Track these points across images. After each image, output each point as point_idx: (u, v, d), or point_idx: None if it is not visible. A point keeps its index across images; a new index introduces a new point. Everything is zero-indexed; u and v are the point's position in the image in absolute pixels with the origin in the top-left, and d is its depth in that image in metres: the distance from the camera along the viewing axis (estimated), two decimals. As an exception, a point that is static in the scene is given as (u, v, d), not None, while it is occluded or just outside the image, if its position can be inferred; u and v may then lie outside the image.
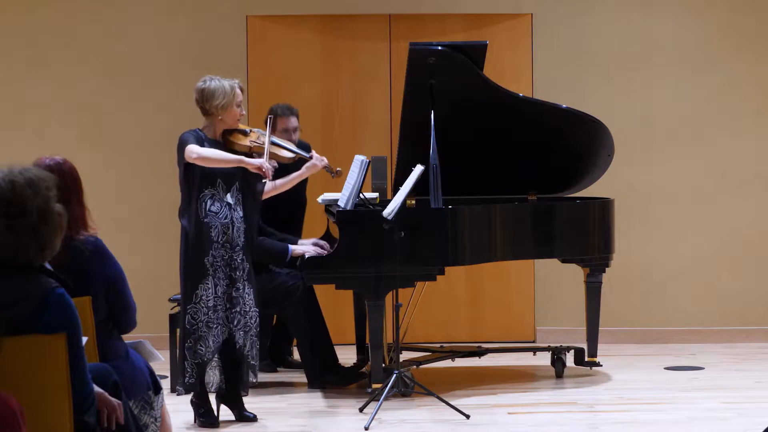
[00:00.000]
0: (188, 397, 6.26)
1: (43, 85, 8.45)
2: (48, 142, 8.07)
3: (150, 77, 8.49)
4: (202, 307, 6.06)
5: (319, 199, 7.29)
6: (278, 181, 6.69)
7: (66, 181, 4.28)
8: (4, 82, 8.45)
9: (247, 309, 6.15)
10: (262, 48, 8.55)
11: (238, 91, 6.14)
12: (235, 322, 6.11)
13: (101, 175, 8.24)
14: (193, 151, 5.99)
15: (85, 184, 4.46)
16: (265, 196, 6.38)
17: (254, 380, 6.21)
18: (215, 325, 6.08)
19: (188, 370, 6.09)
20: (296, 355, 7.67)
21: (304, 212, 7.59)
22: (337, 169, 6.62)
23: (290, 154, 6.38)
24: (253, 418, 6.29)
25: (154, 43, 8.48)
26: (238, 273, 6.12)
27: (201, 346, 6.07)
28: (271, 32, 8.57)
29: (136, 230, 8.47)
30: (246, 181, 6.15)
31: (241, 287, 6.12)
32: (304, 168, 6.61)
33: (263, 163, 6.05)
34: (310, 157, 6.57)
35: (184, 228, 6.13)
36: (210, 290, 6.06)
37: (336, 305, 8.06)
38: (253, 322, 6.16)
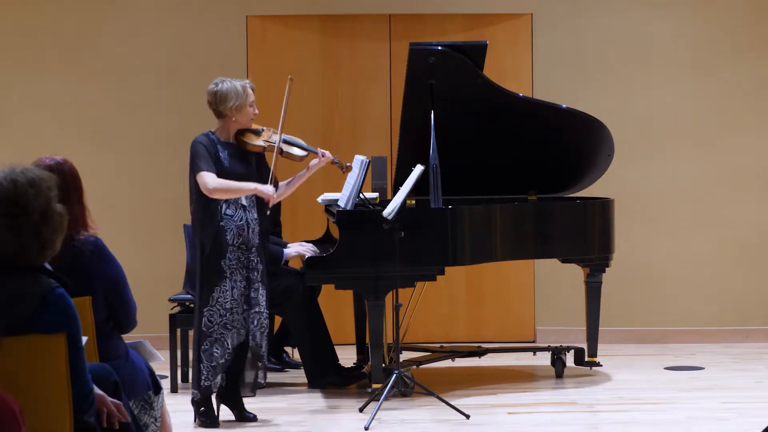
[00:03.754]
0: (189, 397, 6.26)
1: (43, 85, 8.45)
2: (48, 142, 8.07)
3: (150, 77, 8.49)
4: (219, 309, 6.07)
5: (319, 199, 7.29)
6: (286, 182, 6.59)
7: (66, 181, 4.28)
8: (4, 82, 8.45)
9: (262, 310, 6.16)
10: (262, 48, 8.55)
11: (250, 91, 6.17)
12: (255, 323, 6.11)
13: (101, 175, 8.24)
14: (206, 183, 5.99)
15: (85, 184, 4.46)
16: (277, 198, 6.36)
17: (263, 382, 6.22)
18: (232, 328, 6.08)
19: (204, 372, 6.09)
20: (296, 355, 7.68)
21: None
22: (348, 164, 6.57)
23: (302, 152, 6.35)
24: (253, 419, 6.29)
25: (154, 43, 8.48)
26: (255, 274, 6.12)
27: (217, 348, 6.07)
28: (271, 32, 8.57)
29: (136, 230, 8.46)
30: (259, 182, 6.15)
31: (258, 288, 6.12)
32: (309, 166, 6.48)
33: (271, 195, 6.09)
34: (318, 154, 6.45)
35: (200, 230, 6.11)
36: (227, 293, 6.07)
37: (336, 305, 8.06)
38: (266, 323, 6.19)
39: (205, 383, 6.11)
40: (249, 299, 6.12)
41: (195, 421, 6.24)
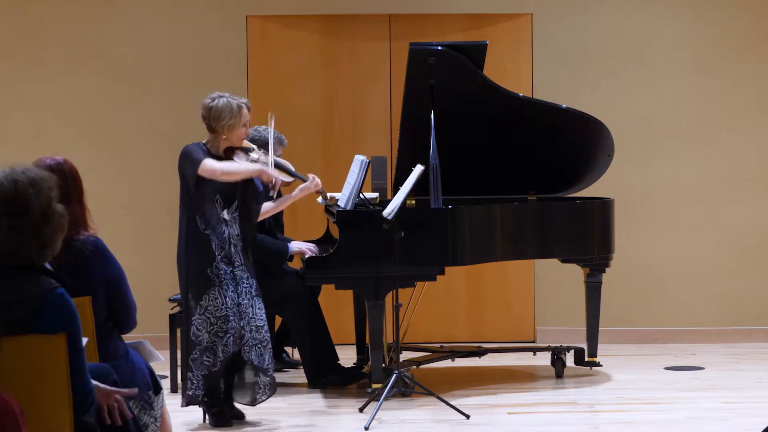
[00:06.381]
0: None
1: (43, 85, 8.45)
2: (48, 142, 8.07)
3: (150, 77, 8.49)
4: (209, 317, 6.02)
5: (319, 199, 7.28)
6: (274, 203, 6.65)
7: (66, 181, 4.28)
8: (3, 81, 8.45)
9: (260, 324, 6.12)
10: (262, 48, 8.55)
11: (245, 111, 6.11)
12: (242, 339, 6.06)
13: (101, 175, 8.24)
14: (215, 167, 5.96)
15: (85, 184, 4.46)
16: (262, 216, 6.39)
17: (263, 398, 6.16)
18: (225, 335, 6.03)
19: (194, 381, 6.04)
20: (296, 355, 7.68)
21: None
22: (330, 195, 6.60)
23: (289, 178, 6.39)
24: (240, 417, 6.29)
25: (155, 43, 8.48)
26: (241, 287, 6.09)
27: (208, 357, 6.03)
28: (271, 32, 8.57)
29: (136, 230, 8.47)
30: (243, 200, 6.13)
31: (249, 303, 6.09)
32: (297, 190, 6.53)
33: (277, 177, 6.08)
34: (305, 180, 6.50)
35: (185, 239, 6.09)
36: (218, 300, 6.02)
37: (336, 305, 8.06)
38: (268, 336, 6.15)
39: (196, 392, 6.05)
40: (241, 313, 6.10)
41: (204, 420, 6.23)
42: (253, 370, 6.12)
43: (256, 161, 6.14)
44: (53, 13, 8.43)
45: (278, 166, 6.33)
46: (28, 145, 8.18)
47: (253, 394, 6.16)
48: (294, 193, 6.54)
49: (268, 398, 6.17)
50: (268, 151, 6.24)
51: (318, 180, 6.48)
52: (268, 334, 6.16)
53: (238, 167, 6.03)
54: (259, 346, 6.10)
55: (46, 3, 8.43)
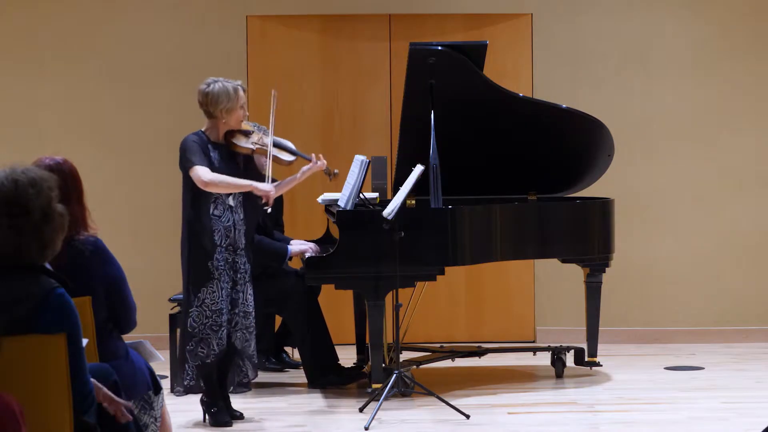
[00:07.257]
0: (190, 397, 6.26)
1: (43, 85, 8.45)
2: (48, 142, 8.07)
3: (150, 77, 8.49)
4: (205, 310, 6.05)
5: (319, 199, 7.29)
6: (275, 184, 6.61)
7: (66, 181, 4.27)
8: (5, 81, 8.45)
9: (249, 310, 6.15)
10: (262, 48, 8.55)
11: (241, 93, 6.12)
12: (233, 324, 6.11)
13: (102, 175, 8.24)
14: (201, 178, 5.96)
15: (85, 184, 4.46)
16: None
17: (245, 380, 6.21)
18: (220, 328, 6.06)
19: (189, 372, 6.10)
20: (296, 355, 7.68)
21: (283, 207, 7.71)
22: (335, 170, 6.53)
23: (291, 157, 6.33)
24: (240, 417, 6.30)
25: (155, 43, 8.48)
26: (239, 275, 6.12)
27: (202, 348, 6.07)
28: (271, 32, 8.57)
29: (136, 230, 8.47)
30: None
31: (241, 289, 6.12)
32: (300, 172, 6.44)
33: (270, 192, 6.05)
34: (309, 160, 6.47)
35: (187, 231, 6.11)
36: (215, 293, 6.05)
37: (336, 305, 8.06)
38: (254, 323, 6.18)
39: (190, 383, 6.12)
40: (234, 301, 6.11)
41: (204, 420, 6.24)
42: (238, 355, 6.15)
43: (256, 143, 6.14)
44: (53, 13, 8.43)
45: (279, 145, 6.30)
46: (28, 145, 8.18)
47: (233, 377, 6.20)
48: (297, 175, 6.39)
49: (250, 381, 6.20)
50: (267, 132, 6.22)
51: (323, 160, 6.38)
52: (254, 321, 6.18)
53: (227, 182, 6.01)
54: (245, 331, 6.13)
55: (46, 3, 8.43)
